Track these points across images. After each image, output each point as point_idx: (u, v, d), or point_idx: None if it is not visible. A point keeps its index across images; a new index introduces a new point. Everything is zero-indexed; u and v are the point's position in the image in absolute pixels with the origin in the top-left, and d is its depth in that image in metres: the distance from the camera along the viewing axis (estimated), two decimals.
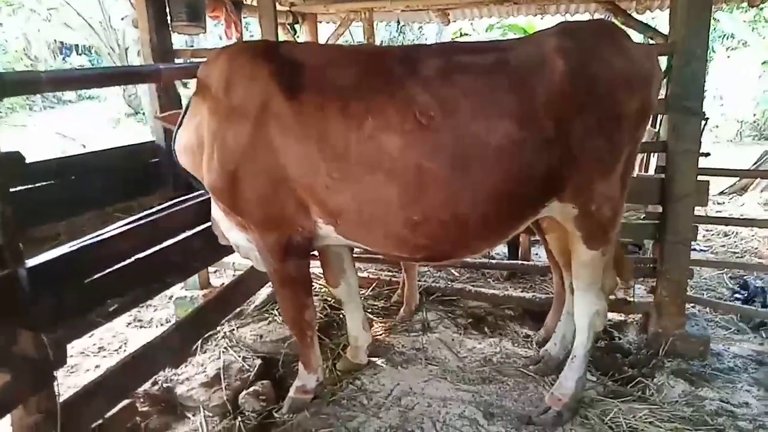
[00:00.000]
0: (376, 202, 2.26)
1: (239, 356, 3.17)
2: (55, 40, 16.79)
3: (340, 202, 2.30)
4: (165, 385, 2.97)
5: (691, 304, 3.67)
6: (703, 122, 3.14)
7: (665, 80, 3.28)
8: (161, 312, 4.24)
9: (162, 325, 4.04)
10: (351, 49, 2.49)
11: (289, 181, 2.30)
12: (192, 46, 9.52)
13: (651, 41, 5.36)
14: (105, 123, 14.53)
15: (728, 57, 14.35)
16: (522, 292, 4.12)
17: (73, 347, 3.57)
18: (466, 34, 13.80)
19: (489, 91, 2.17)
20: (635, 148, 2.42)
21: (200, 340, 3.31)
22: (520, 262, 4.55)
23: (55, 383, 2.03)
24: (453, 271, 4.62)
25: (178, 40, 4.75)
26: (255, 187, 2.35)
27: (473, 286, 4.14)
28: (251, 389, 2.90)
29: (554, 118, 2.15)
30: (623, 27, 5.77)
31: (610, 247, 2.55)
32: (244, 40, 4.83)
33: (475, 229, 2.33)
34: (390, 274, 4.28)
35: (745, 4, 5.53)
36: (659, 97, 3.31)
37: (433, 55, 2.29)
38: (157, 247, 2.62)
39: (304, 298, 2.66)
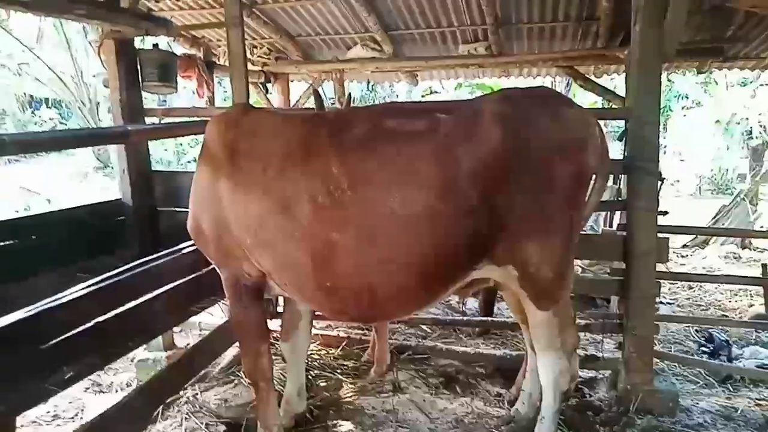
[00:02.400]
0: (291, 267, 2.39)
1: (202, 423, 3.04)
2: (24, 93, 16.72)
3: (265, 262, 2.44)
4: None
5: (659, 359, 3.70)
6: (660, 182, 3.26)
7: (623, 142, 3.45)
8: (122, 375, 4.07)
9: (122, 389, 3.87)
10: (297, 117, 2.66)
11: (233, 234, 2.46)
12: (165, 102, 9.61)
13: (610, 103, 5.65)
14: (72, 177, 14.30)
15: (684, 116, 15.16)
16: (493, 348, 4.11)
17: (25, 417, 3.38)
18: (436, 92, 14.28)
19: (409, 163, 2.19)
20: (577, 212, 2.43)
21: (162, 406, 3.16)
22: (491, 318, 4.54)
23: None
24: (425, 327, 4.59)
25: (150, 97, 4.80)
26: (209, 231, 2.54)
27: (444, 343, 4.11)
28: None
29: (481, 188, 2.18)
30: (583, 89, 6.10)
31: (562, 307, 2.55)
32: (215, 101, 4.90)
33: (391, 297, 2.36)
34: (360, 332, 4.22)
35: (695, 69, 5.89)
36: (618, 158, 3.47)
37: (363, 122, 2.34)
38: (119, 310, 2.54)
39: (258, 344, 2.69)
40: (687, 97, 15.29)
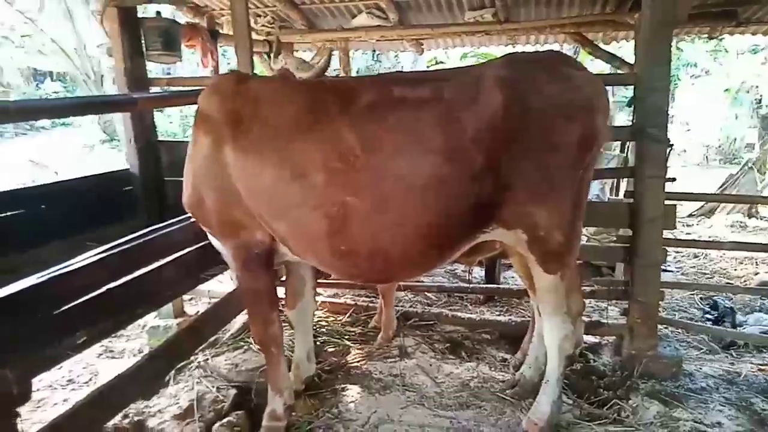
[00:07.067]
0: (306, 233, 2.39)
1: (213, 387, 3.11)
2: (28, 67, 16.62)
3: (280, 229, 2.44)
4: (136, 418, 2.88)
5: (664, 326, 3.73)
6: (668, 149, 3.23)
7: (631, 108, 3.40)
8: (134, 342, 4.15)
9: (134, 355, 3.95)
10: (301, 85, 2.62)
11: (243, 202, 2.43)
12: (169, 73, 9.54)
13: (618, 71, 5.57)
14: (79, 150, 14.31)
15: (693, 84, 14.92)
16: (498, 315, 4.14)
17: (41, 380, 3.46)
18: (441, 62, 14.09)
19: (416, 128, 2.22)
20: (586, 175, 2.45)
21: (173, 371, 3.23)
22: (496, 285, 4.58)
23: (18, 420, 1.95)
24: (430, 295, 4.63)
25: (155, 68, 4.76)
26: (215, 204, 2.48)
27: (450, 310, 4.15)
28: (225, 420, 2.83)
29: (486, 152, 2.20)
30: (591, 57, 6.01)
31: (569, 271, 2.58)
32: (220, 71, 4.85)
33: (404, 260, 2.41)
34: (368, 299, 4.27)
35: (706, 35, 5.78)
36: (626, 125, 3.44)
37: (369, 90, 2.35)
38: (129, 277, 2.57)
39: (268, 312, 2.69)
40: (696, 65, 15.03)
